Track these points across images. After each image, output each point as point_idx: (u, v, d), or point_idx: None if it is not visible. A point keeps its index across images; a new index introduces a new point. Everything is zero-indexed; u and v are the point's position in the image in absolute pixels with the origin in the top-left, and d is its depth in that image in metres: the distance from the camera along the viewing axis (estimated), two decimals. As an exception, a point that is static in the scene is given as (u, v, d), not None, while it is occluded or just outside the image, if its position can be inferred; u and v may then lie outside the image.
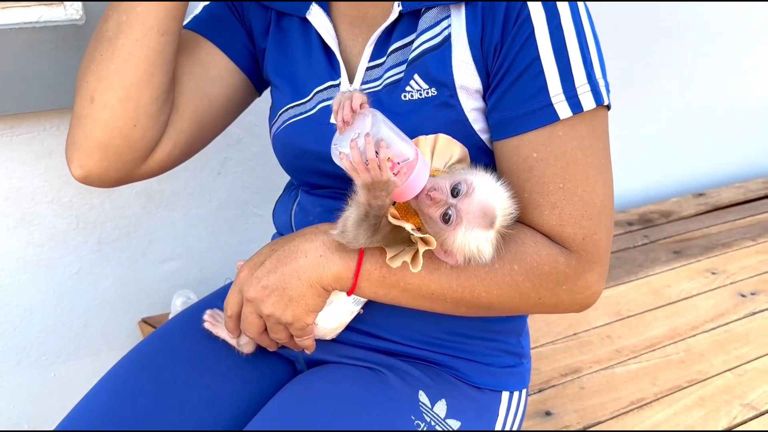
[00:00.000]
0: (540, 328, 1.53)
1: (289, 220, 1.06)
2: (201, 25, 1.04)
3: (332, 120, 0.85)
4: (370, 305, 0.96)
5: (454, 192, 0.80)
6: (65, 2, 1.24)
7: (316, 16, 0.97)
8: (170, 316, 1.46)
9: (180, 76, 0.99)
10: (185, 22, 1.04)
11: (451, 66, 0.88)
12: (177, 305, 1.44)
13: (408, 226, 0.81)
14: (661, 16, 2.12)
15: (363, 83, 0.94)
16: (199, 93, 1.01)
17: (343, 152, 0.80)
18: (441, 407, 0.95)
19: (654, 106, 2.22)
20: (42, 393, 1.49)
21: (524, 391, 1.08)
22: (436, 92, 0.89)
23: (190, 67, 1.01)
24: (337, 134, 0.84)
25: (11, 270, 1.39)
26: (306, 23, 0.99)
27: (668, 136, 2.30)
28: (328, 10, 0.98)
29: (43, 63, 1.25)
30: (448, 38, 0.89)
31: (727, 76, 2.35)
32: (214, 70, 1.03)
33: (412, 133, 0.87)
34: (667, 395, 1.34)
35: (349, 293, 0.89)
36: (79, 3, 1.25)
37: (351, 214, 0.82)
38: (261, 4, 1.03)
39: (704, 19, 2.21)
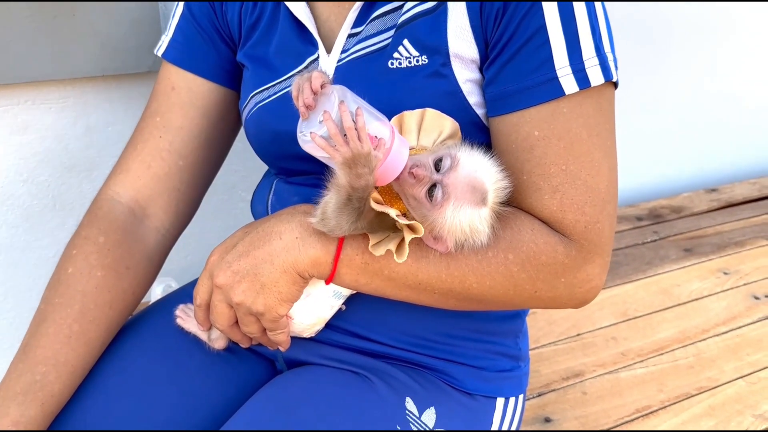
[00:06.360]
0: (541, 327, 1.45)
1: (266, 211, 0.99)
2: (179, 55, 0.98)
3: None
4: (353, 302, 0.88)
5: (438, 167, 0.73)
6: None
7: None
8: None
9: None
10: (162, 50, 0.99)
11: (445, 31, 0.80)
12: (157, 293, 1.37)
13: (393, 212, 0.73)
14: (676, 8, 2.05)
15: (343, 52, 0.87)
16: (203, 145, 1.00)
17: (313, 131, 0.72)
18: (429, 416, 0.88)
19: (665, 98, 2.16)
20: (16, 381, 1.43)
21: (521, 397, 1.00)
22: (427, 60, 0.81)
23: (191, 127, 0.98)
24: (301, 121, 0.76)
25: (-17, 252, 1.33)
26: None
27: (680, 128, 2.23)
28: None
29: (17, 34, 1.17)
30: (443, 1, 0.81)
31: (742, 69, 2.29)
32: (210, 106, 0.99)
33: (399, 105, 0.79)
34: (674, 403, 1.27)
35: (327, 281, 0.81)
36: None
37: (331, 199, 0.74)
38: None
39: (721, 12, 2.15)
